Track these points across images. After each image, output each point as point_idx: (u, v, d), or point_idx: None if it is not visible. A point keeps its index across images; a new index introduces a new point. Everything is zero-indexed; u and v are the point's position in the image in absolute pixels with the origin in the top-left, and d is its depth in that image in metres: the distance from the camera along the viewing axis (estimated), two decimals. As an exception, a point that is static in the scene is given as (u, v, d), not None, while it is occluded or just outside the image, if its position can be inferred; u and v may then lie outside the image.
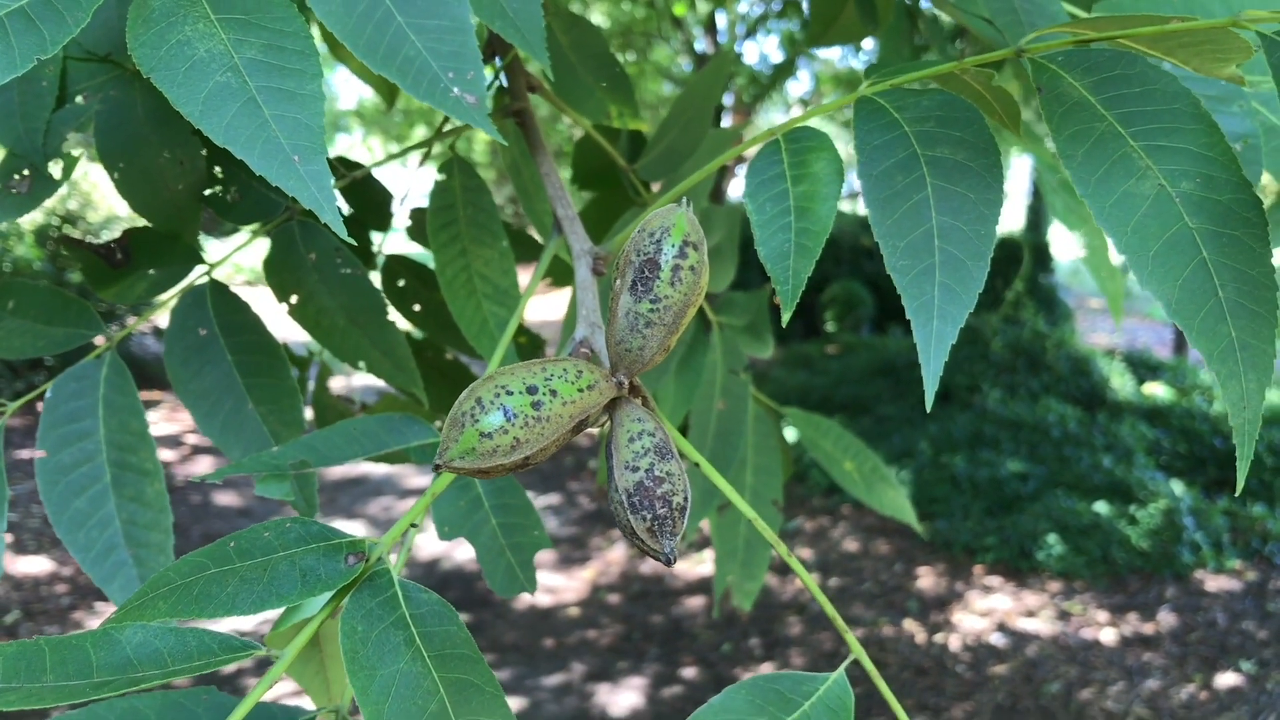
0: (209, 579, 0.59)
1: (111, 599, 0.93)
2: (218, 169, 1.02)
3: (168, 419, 8.47)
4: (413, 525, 0.65)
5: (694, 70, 9.14)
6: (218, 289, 1.02)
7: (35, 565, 5.61)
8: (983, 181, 0.67)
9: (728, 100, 9.89)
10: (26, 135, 0.95)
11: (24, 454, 7.10)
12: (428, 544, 6.13)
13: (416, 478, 7.23)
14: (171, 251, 1.02)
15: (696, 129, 1.27)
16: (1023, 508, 5.93)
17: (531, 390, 0.60)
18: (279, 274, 1.04)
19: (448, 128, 1.17)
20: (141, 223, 1.03)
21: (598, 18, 8.60)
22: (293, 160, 0.60)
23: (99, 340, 0.99)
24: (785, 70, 8.68)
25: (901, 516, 1.52)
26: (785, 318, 0.67)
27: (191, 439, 8.12)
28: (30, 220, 8.84)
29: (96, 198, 9.59)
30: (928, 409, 0.58)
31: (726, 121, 10.79)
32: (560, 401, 0.60)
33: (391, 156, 1.09)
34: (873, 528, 6.31)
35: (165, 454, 7.47)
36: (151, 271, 1.02)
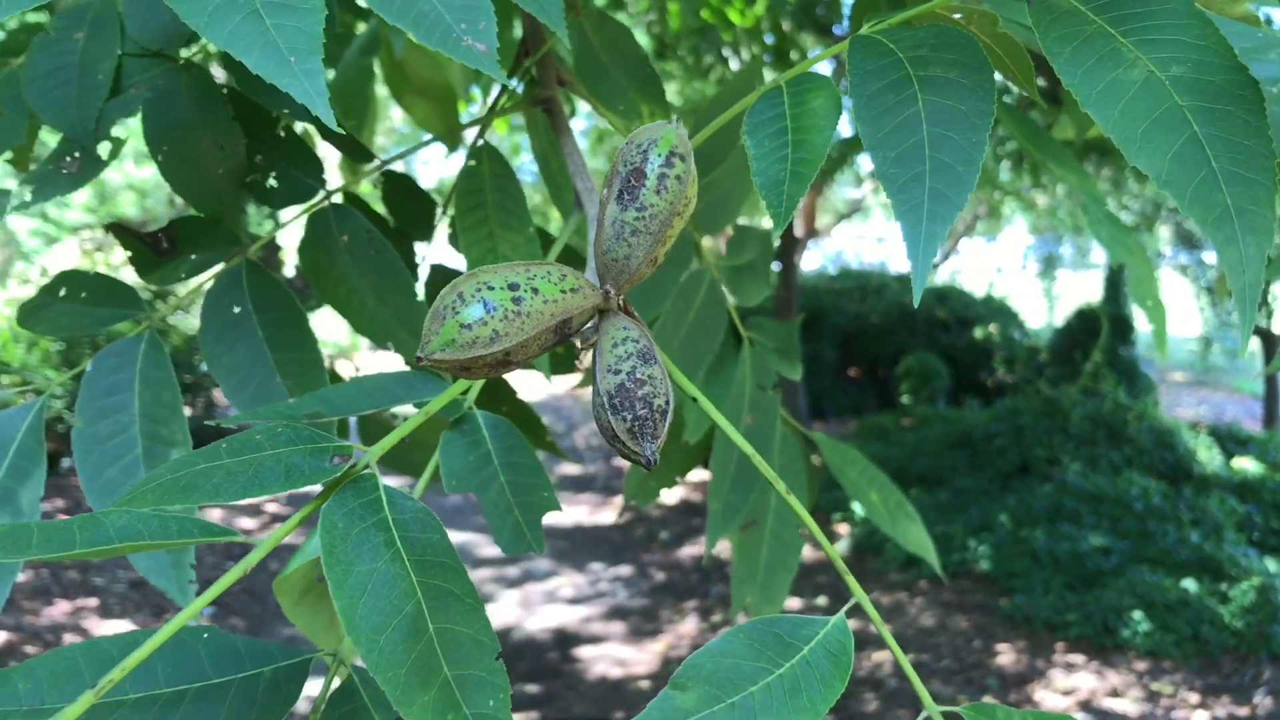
0: (196, 473, 0.61)
1: (136, 566, 0.95)
2: (258, 156, 1.07)
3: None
4: (404, 440, 0.66)
5: None
6: (253, 269, 1.06)
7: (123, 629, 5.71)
8: (974, 95, 0.68)
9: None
10: (80, 122, 1.01)
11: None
12: (499, 613, 6.11)
13: (488, 547, 7.24)
14: (213, 236, 1.07)
15: (728, 134, 1.29)
16: (1106, 583, 5.70)
17: (513, 287, 0.61)
18: (312, 255, 1.08)
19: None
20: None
21: (671, 97, 8.81)
22: (289, 60, 0.62)
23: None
24: (855, 144, 8.78)
25: (923, 554, 1.50)
26: (776, 234, 0.67)
27: (271, 508, 8.25)
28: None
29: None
30: (915, 304, 0.58)
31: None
32: (541, 299, 0.61)
33: (424, 143, 1.13)
34: (950, 603, 6.11)
35: (245, 523, 7.61)
36: (193, 256, 1.06)
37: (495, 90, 1.32)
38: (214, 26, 0.65)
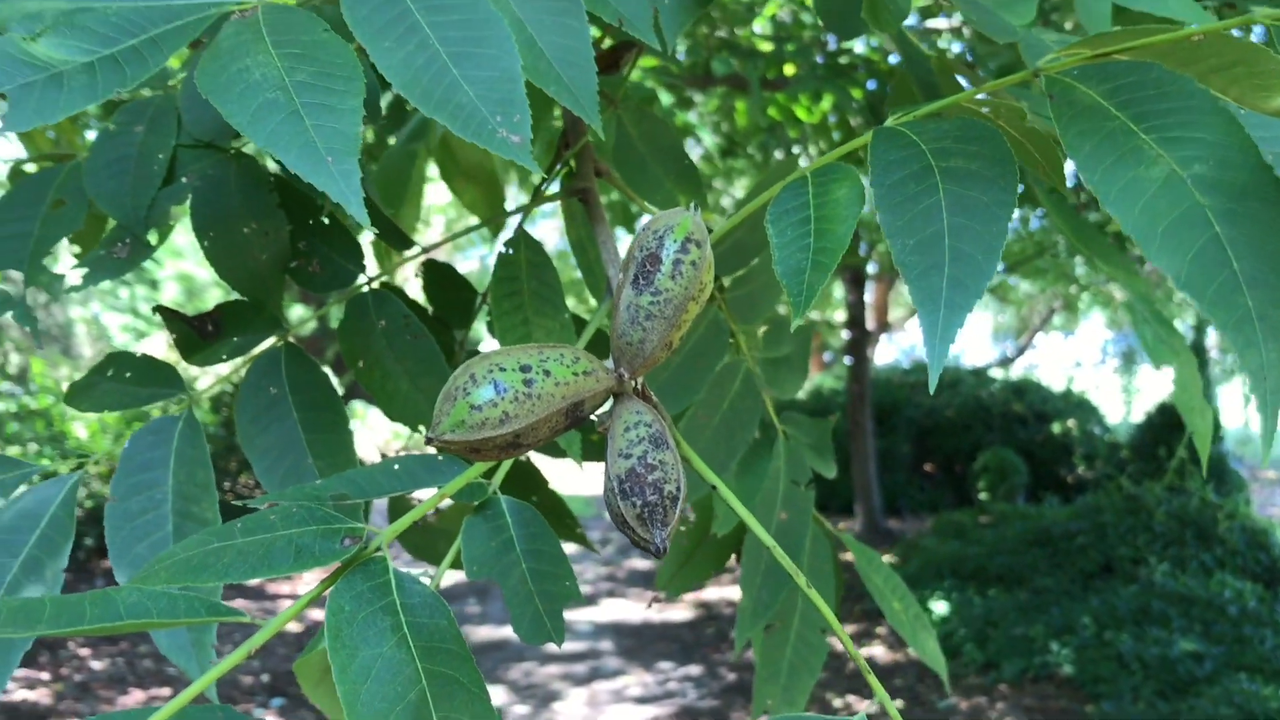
0: (209, 552, 0.62)
1: (157, 643, 0.96)
2: (302, 243, 1.10)
3: (321, 578, 8.68)
4: (423, 525, 0.66)
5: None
6: (292, 351, 1.07)
7: None
8: (996, 185, 0.67)
9: (871, 269, 9.93)
10: (133, 210, 1.05)
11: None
12: (567, 711, 6.02)
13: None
14: (256, 320, 1.09)
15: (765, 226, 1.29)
16: (1199, 691, 5.41)
17: (525, 369, 0.61)
18: (350, 339, 1.09)
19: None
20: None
21: (739, 193, 8.88)
22: (326, 160, 0.65)
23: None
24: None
25: (936, 668, 1.46)
26: (794, 325, 0.66)
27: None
28: (205, 388, 9.43)
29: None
30: (930, 391, 0.57)
31: (870, 290, 10.80)
32: (553, 381, 0.61)
33: (464, 231, 1.15)
34: (1033, 708, 5.85)
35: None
36: (235, 339, 1.09)
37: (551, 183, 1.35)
38: (255, 125, 0.68)
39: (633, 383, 0.68)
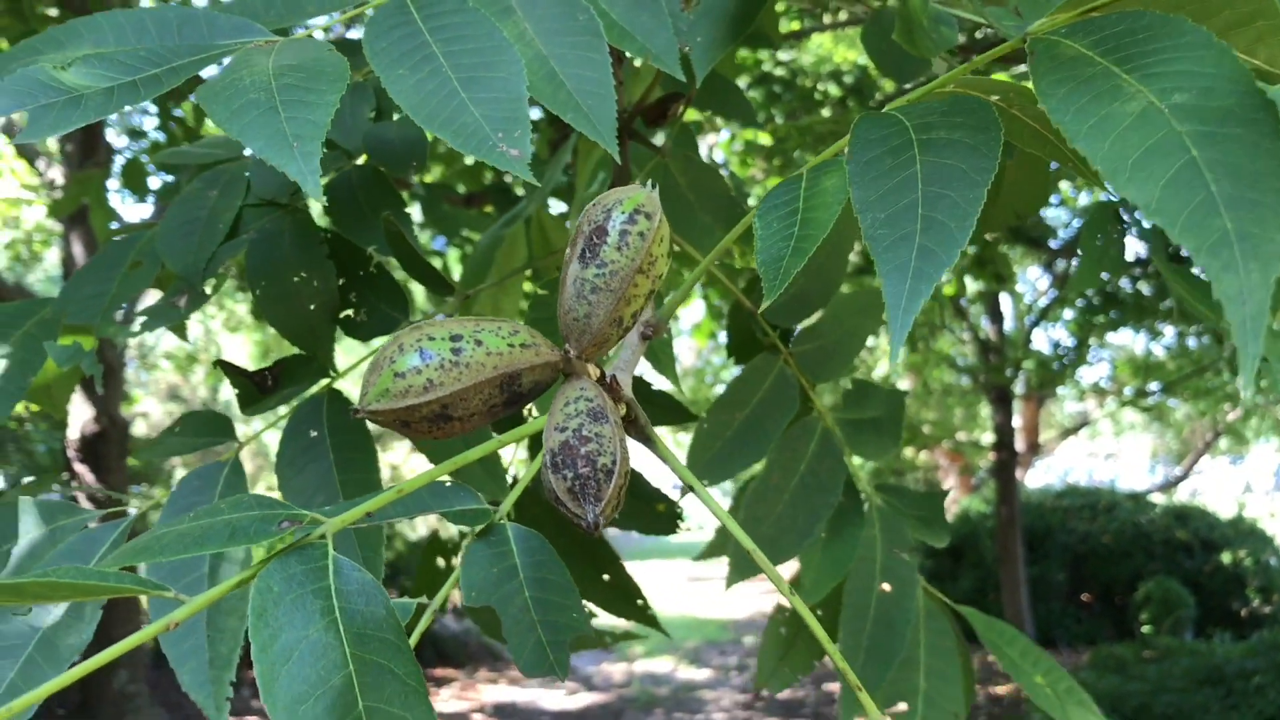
0: (154, 537, 0.62)
1: (180, 679, 0.95)
2: (352, 293, 1.12)
3: (457, 696, 8.67)
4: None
5: (978, 359, 9.01)
6: (334, 396, 1.09)
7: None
8: (977, 153, 0.63)
9: (1019, 389, 9.55)
10: (195, 265, 1.10)
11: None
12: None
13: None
14: (307, 370, 1.11)
15: (829, 274, 1.25)
16: None
17: (455, 338, 0.59)
18: (388, 384, 1.10)
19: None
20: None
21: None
22: (292, 145, 0.66)
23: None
24: (1079, 359, 8.44)
25: None
26: (764, 305, 0.63)
27: (477, 717, 8.21)
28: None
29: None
30: (891, 361, 0.52)
31: (1018, 414, 10.33)
32: (484, 351, 0.59)
33: (515, 271, 1.16)
34: None
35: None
36: (287, 389, 1.11)
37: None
38: (233, 120, 0.71)
39: (593, 367, 0.65)
